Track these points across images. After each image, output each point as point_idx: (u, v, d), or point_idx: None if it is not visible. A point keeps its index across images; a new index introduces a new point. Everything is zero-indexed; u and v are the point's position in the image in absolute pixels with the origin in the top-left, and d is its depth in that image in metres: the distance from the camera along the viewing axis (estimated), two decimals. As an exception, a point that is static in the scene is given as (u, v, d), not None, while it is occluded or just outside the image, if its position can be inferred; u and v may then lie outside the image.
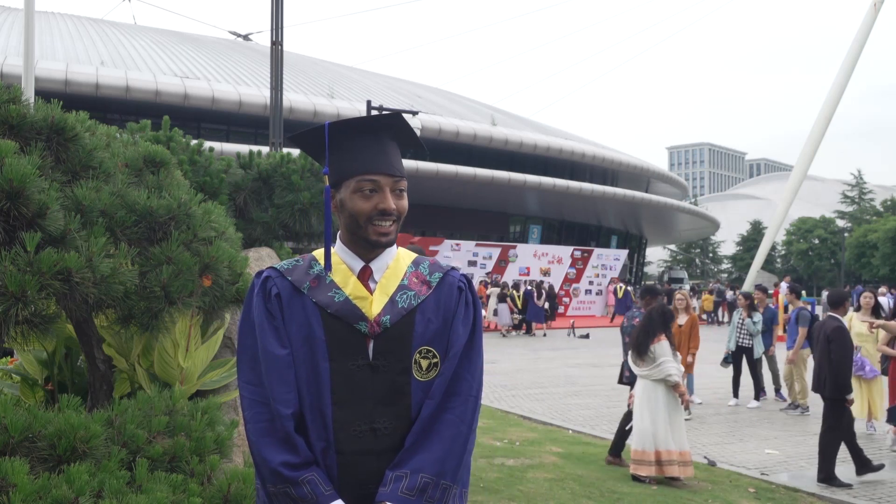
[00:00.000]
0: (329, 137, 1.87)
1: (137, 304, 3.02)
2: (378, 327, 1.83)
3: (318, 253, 1.95)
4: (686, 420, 8.82)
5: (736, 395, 10.73)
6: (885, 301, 19.54)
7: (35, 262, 2.55)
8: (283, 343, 1.82)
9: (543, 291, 23.56)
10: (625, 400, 10.75)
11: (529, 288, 23.05)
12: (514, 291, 23.06)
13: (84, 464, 2.44)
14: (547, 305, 23.49)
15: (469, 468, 1.91)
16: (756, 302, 11.05)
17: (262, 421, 1.79)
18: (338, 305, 1.83)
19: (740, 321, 10.82)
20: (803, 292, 13.76)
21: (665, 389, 6.34)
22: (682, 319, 9.42)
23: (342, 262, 1.89)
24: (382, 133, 1.88)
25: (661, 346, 6.32)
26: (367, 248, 1.87)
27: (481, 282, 24.58)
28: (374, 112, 18.39)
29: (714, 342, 21.34)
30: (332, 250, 1.92)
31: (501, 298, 22.25)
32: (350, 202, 1.84)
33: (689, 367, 9.32)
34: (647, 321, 6.51)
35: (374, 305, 1.85)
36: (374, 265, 1.89)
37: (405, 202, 1.89)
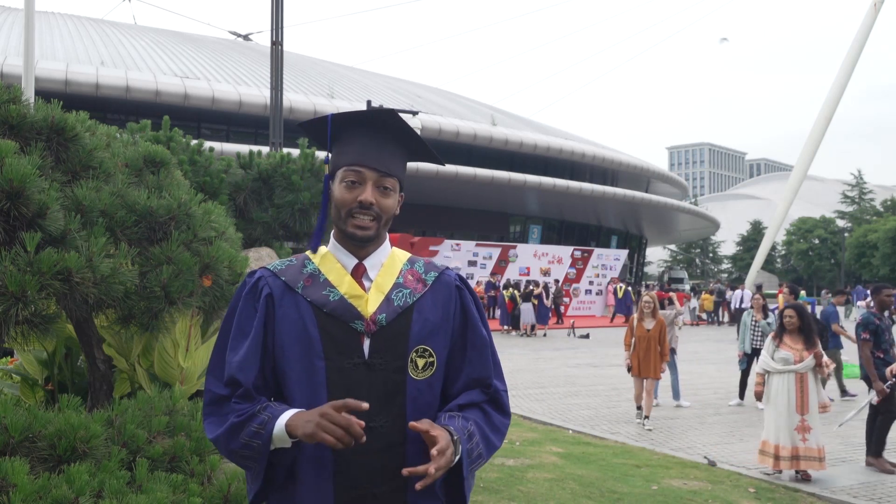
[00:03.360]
0: (332, 129, 1.89)
1: (137, 304, 3.02)
2: (374, 325, 1.82)
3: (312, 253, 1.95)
4: (647, 430, 8.77)
5: (742, 396, 10.70)
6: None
7: (35, 262, 2.55)
8: (257, 337, 1.82)
9: (552, 294, 23.61)
10: (624, 400, 10.77)
11: (536, 289, 23.05)
12: (515, 291, 23.03)
13: (84, 464, 2.44)
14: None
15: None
16: (764, 303, 11.05)
17: (221, 415, 1.81)
18: (333, 304, 1.83)
19: (753, 322, 10.74)
20: (802, 292, 13.73)
21: (785, 387, 6.56)
22: (649, 324, 9.07)
23: (336, 261, 1.89)
24: (378, 129, 1.88)
25: (765, 343, 6.76)
26: (351, 243, 1.87)
27: (483, 281, 24.58)
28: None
29: (715, 342, 21.36)
30: (326, 249, 1.92)
31: (526, 298, 22.21)
32: (336, 192, 1.85)
33: (656, 374, 9.07)
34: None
35: (370, 303, 1.84)
36: (367, 262, 1.88)
37: (391, 201, 1.87)
